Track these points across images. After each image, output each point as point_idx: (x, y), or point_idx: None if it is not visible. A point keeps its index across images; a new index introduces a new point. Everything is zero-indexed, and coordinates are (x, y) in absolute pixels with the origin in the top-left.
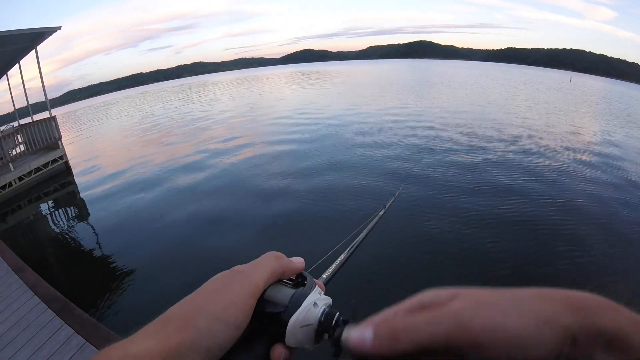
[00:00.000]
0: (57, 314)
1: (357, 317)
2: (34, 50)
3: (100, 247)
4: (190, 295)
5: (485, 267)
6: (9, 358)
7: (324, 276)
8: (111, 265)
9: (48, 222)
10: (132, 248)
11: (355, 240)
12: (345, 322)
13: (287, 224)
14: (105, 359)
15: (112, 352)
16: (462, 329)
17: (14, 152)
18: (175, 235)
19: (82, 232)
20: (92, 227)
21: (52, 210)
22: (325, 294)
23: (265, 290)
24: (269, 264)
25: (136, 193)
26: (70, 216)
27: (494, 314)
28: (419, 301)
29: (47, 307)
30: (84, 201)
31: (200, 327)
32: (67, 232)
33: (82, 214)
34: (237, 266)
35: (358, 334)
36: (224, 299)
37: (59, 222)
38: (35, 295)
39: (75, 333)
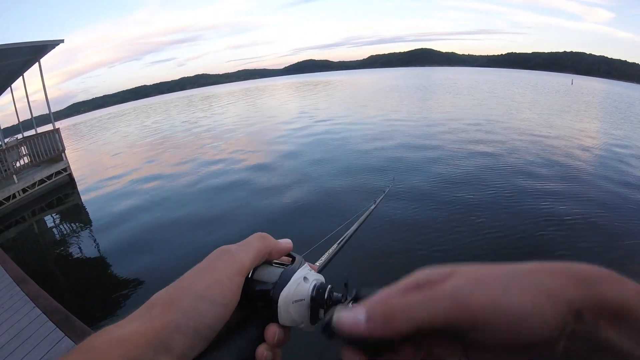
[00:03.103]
0: (57, 326)
1: (349, 291)
2: (37, 63)
3: (103, 259)
4: (176, 280)
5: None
6: None
7: (317, 264)
8: (114, 277)
9: (51, 234)
10: (135, 260)
11: (347, 232)
12: (337, 302)
13: (281, 218)
14: (89, 345)
15: (96, 338)
16: (460, 306)
17: (18, 164)
18: (179, 246)
19: (84, 244)
20: (95, 239)
21: (55, 222)
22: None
23: (254, 272)
24: (254, 243)
25: (140, 205)
26: (73, 228)
27: (494, 291)
28: (415, 280)
29: (47, 318)
30: (87, 213)
31: (184, 308)
32: (70, 244)
33: (85, 225)
34: (222, 246)
35: (350, 315)
36: (208, 277)
37: (62, 234)
38: (36, 307)
39: (76, 345)
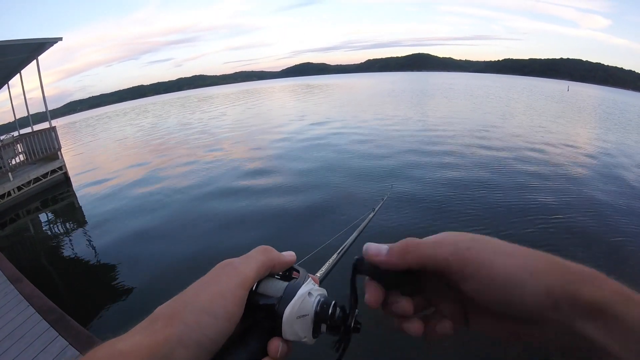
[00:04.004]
0: (52, 326)
1: (352, 303)
2: (35, 60)
3: (98, 259)
4: (178, 294)
5: None
6: None
7: (318, 274)
8: (109, 278)
9: (46, 233)
10: (130, 260)
11: (347, 241)
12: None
13: (281, 225)
14: (92, 358)
15: (98, 351)
16: (457, 255)
17: (13, 162)
18: (174, 247)
19: (80, 244)
20: (90, 238)
21: (50, 220)
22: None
23: (258, 285)
24: (258, 256)
25: (135, 205)
26: (69, 227)
27: (486, 252)
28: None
29: (42, 318)
30: (82, 212)
31: (187, 321)
32: (65, 243)
33: (81, 225)
34: (225, 260)
35: (376, 246)
36: (211, 291)
37: (57, 233)
38: (30, 306)
39: (70, 345)
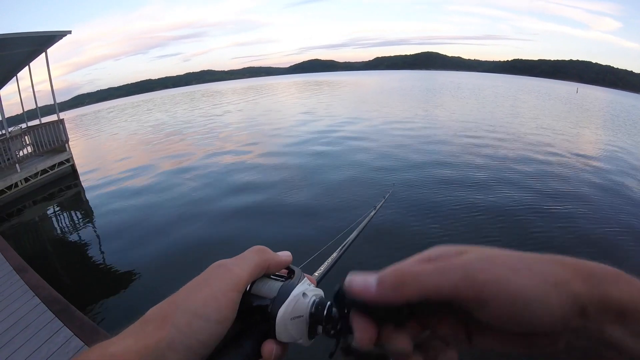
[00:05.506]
0: (57, 316)
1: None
2: (44, 53)
3: (104, 251)
4: (171, 295)
5: None
6: (6, 358)
7: (316, 274)
8: (114, 269)
9: (52, 224)
10: (136, 253)
11: (347, 240)
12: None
13: (279, 225)
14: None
15: (91, 354)
16: (468, 279)
17: (21, 154)
18: (180, 239)
19: (86, 235)
20: (96, 230)
21: (56, 212)
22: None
23: (251, 285)
24: (252, 256)
25: (142, 198)
26: (75, 219)
27: (503, 270)
28: (428, 255)
29: (47, 308)
30: (89, 204)
31: (179, 324)
32: (71, 234)
33: (87, 217)
34: (219, 260)
35: (362, 280)
36: (203, 293)
37: (63, 224)
38: (36, 296)
39: (74, 335)
